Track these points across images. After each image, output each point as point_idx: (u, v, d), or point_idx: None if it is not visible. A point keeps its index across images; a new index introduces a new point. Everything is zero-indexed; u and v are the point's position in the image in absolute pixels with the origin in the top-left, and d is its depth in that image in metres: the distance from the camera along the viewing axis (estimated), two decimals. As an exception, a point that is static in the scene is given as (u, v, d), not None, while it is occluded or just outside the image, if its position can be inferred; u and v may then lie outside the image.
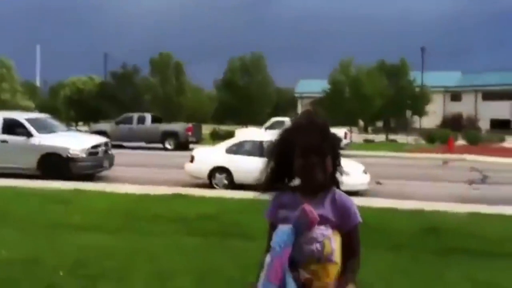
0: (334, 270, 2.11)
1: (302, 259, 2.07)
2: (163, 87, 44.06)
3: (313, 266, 2.08)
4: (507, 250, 6.81)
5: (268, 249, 2.19)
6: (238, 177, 12.88)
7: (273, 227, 2.23)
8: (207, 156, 13.90)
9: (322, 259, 2.08)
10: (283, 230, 2.08)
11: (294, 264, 2.05)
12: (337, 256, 2.11)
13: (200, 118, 46.81)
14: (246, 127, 39.59)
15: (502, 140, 41.49)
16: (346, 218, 2.18)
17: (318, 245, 2.07)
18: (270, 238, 2.22)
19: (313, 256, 2.07)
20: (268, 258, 2.06)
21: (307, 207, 2.06)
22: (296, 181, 2.30)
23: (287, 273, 2.02)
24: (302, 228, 2.06)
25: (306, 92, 68.03)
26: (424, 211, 9.55)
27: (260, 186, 2.34)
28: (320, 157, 2.15)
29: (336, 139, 2.26)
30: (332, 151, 2.20)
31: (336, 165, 2.25)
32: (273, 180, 2.31)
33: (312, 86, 60.69)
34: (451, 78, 72.56)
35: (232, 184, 12.96)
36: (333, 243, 2.10)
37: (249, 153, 13.20)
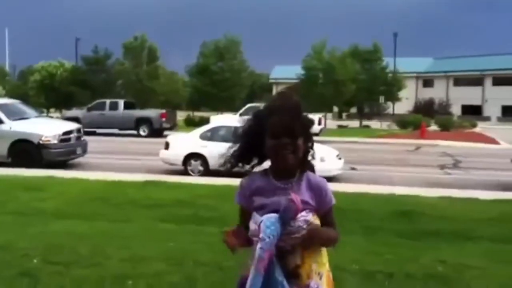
0: (318, 253, 2.16)
1: (288, 247, 2.07)
2: (136, 72, 43.47)
3: (296, 253, 2.09)
4: (478, 233, 6.95)
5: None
6: (213, 163, 12.85)
7: (245, 213, 2.20)
8: (182, 142, 13.84)
9: (308, 245, 2.10)
10: (271, 221, 2.04)
11: (280, 253, 2.05)
12: None
13: (175, 104, 46.43)
14: (222, 113, 39.45)
15: (474, 125, 42.27)
16: (322, 201, 2.19)
17: (304, 232, 2.07)
18: (242, 224, 2.21)
19: (300, 243, 2.08)
20: (258, 251, 2.02)
21: (295, 197, 2.04)
22: (265, 164, 2.27)
23: (274, 262, 2.03)
24: (289, 217, 2.04)
25: (282, 78, 68.07)
26: (396, 196, 9.68)
27: (225, 162, 2.31)
28: (292, 138, 2.11)
29: (308, 121, 2.22)
30: (304, 132, 2.16)
31: (309, 147, 2.22)
32: (240, 158, 2.27)
33: (287, 72, 60.70)
34: (423, 64, 73.35)
35: (207, 171, 12.94)
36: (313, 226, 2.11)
37: (224, 139, 13.14)
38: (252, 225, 2.12)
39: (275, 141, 2.11)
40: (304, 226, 2.07)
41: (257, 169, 2.30)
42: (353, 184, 11.62)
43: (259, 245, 2.01)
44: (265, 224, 2.04)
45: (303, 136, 2.16)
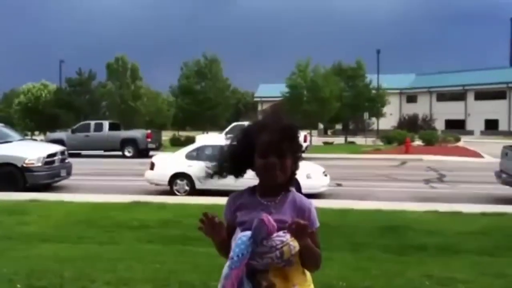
0: (294, 272, 2.09)
1: (260, 267, 2.03)
2: (119, 93, 43.39)
3: (272, 272, 2.05)
4: (464, 246, 6.98)
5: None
6: (199, 183, 12.81)
7: (229, 228, 2.19)
8: (167, 162, 13.78)
9: (281, 264, 2.05)
10: (242, 240, 2.02)
11: (252, 272, 2.02)
12: (296, 258, 2.07)
13: (159, 124, 46.37)
14: (207, 132, 39.43)
15: (458, 139, 42.61)
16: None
17: (277, 253, 2.03)
18: (228, 240, 2.18)
19: (273, 264, 2.04)
20: (226, 269, 2.01)
21: (266, 217, 2.01)
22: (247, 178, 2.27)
23: (245, 282, 2.00)
24: (261, 237, 2.01)
25: (266, 96, 68.37)
26: (382, 211, 9.70)
27: (212, 172, 2.30)
28: (280, 157, 2.10)
29: (298, 140, 2.20)
30: (292, 152, 2.15)
31: (296, 167, 2.20)
32: (226, 171, 2.26)
33: (272, 90, 61.03)
34: (406, 80, 74.26)
35: (194, 190, 12.88)
36: (292, 248, 2.05)
37: (210, 158, 13.09)
38: (233, 242, 2.10)
39: (263, 160, 2.10)
40: (279, 247, 2.02)
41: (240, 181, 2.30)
42: (339, 200, 11.63)
43: (227, 264, 2.01)
44: (236, 244, 2.03)
45: (292, 156, 2.15)
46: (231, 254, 2.01)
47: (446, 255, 6.55)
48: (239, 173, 2.26)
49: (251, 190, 2.23)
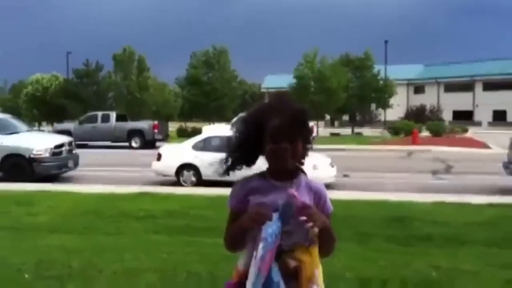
0: (316, 253, 2.08)
1: (286, 248, 2.01)
2: (126, 84, 43.43)
3: (298, 252, 2.03)
4: (471, 237, 6.96)
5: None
6: (206, 173, 12.82)
7: (237, 217, 2.10)
8: (174, 153, 13.81)
9: (306, 244, 2.04)
10: (274, 220, 1.96)
11: (278, 252, 1.98)
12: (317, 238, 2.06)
13: (166, 115, 46.41)
14: (214, 123, 39.44)
15: (465, 130, 42.44)
16: (321, 206, 2.14)
17: (304, 231, 2.00)
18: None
19: (299, 243, 2.02)
20: (260, 251, 1.92)
21: (294, 191, 1.99)
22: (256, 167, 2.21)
23: (272, 263, 1.96)
24: (289, 214, 1.97)
25: (273, 87, 68.26)
26: (389, 202, 9.69)
27: (224, 168, 2.22)
28: (291, 142, 2.06)
29: (308, 125, 2.17)
30: (303, 137, 2.12)
31: (306, 152, 2.17)
32: (238, 162, 2.20)
33: (279, 81, 60.87)
34: (414, 70, 73.86)
35: (200, 181, 12.91)
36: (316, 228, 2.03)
37: (216, 149, 13.16)
38: None
39: (274, 145, 2.06)
40: (305, 225, 1.98)
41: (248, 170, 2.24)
42: (346, 191, 11.62)
43: (261, 245, 1.93)
44: (266, 224, 1.96)
45: (302, 140, 2.12)
46: (264, 235, 1.94)
47: (452, 246, 6.54)
48: (251, 161, 2.19)
49: (260, 175, 2.18)
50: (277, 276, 1.94)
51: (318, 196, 2.15)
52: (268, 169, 2.16)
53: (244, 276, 2.01)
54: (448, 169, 17.24)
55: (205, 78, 45.14)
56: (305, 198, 2.08)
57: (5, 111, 26.77)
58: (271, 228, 1.94)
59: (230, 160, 2.22)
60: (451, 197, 10.43)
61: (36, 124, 46.18)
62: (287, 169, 2.12)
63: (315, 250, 2.08)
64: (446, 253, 6.16)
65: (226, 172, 2.23)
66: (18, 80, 61.43)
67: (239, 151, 2.19)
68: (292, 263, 2.00)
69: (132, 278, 5.11)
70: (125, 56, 44.18)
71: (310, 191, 2.15)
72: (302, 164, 2.20)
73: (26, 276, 5.18)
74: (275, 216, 1.97)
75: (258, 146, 2.13)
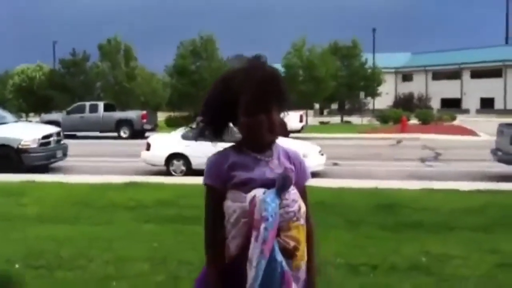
0: (304, 231, 1.99)
1: (282, 224, 1.89)
2: (113, 73, 43.11)
3: (295, 231, 1.94)
4: (459, 223, 7.02)
5: (213, 224, 2.01)
6: (195, 162, 12.79)
7: (217, 195, 1.98)
8: (163, 143, 13.77)
9: (300, 220, 1.96)
10: (271, 198, 1.85)
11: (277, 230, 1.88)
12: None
13: (154, 105, 46.19)
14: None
15: (453, 118, 42.73)
16: (302, 173, 2.09)
17: (296, 206, 1.94)
18: (216, 209, 1.99)
19: (292, 219, 1.93)
20: (263, 232, 1.80)
21: (290, 169, 1.93)
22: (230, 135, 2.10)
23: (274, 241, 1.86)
24: (286, 189, 1.90)
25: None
26: (379, 189, 9.74)
27: (196, 132, 2.10)
28: (268, 114, 1.94)
29: (283, 90, 2.01)
30: (278, 105, 1.99)
31: (283, 117, 2.06)
32: (210, 127, 2.07)
33: (266, 70, 60.66)
34: (402, 59, 74.08)
35: (190, 170, 12.89)
36: (300, 201, 1.99)
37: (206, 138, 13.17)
38: (237, 205, 1.93)
39: (249, 119, 1.95)
40: (297, 199, 1.94)
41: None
42: (335, 179, 11.67)
43: (263, 225, 1.81)
44: (264, 201, 1.84)
45: (278, 110, 1.99)
46: (265, 214, 1.82)
47: (441, 232, 6.60)
48: (218, 130, 2.07)
49: (235, 148, 2.05)
50: (279, 255, 1.85)
51: (297, 164, 2.09)
52: (243, 142, 2.04)
53: (237, 260, 1.92)
54: (436, 157, 17.36)
55: (193, 67, 44.90)
56: (288, 166, 2.02)
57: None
58: (270, 206, 1.84)
59: (201, 125, 2.09)
60: (440, 184, 10.51)
61: (24, 115, 45.78)
62: (264, 143, 2.02)
63: (303, 227, 1.99)
64: (435, 239, 6.22)
65: (199, 135, 2.11)
66: (3, 70, 60.75)
67: (207, 116, 2.07)
68: (292, 243, 1.92)
69: (123, 266, 5.11)
70: (112, 45, 43.80)
71: (289, 158, 2.09)
72: (287, 135, 2.12)
73: (17, 266, 5.16)
74: (271, 192, 1.88)
75: (228, 116, 2.02)
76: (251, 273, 1.82)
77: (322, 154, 13.18)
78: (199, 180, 8.22)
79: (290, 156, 2.09)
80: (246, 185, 1.93)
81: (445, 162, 15.80)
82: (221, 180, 1.98)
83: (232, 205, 1.94)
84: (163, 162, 13.23)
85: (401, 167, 14.78)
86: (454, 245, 5.88)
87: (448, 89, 68.26)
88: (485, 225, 6.90)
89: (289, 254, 1.91)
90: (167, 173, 13.01)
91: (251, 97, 1.93)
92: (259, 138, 1.99)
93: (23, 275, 4.91)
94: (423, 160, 16.39)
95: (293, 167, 2.03)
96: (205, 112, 2.08)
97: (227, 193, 1.97)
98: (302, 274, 2.00)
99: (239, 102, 1.95)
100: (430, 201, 8.59)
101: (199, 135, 2.11)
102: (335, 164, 14.84)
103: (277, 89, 1.98)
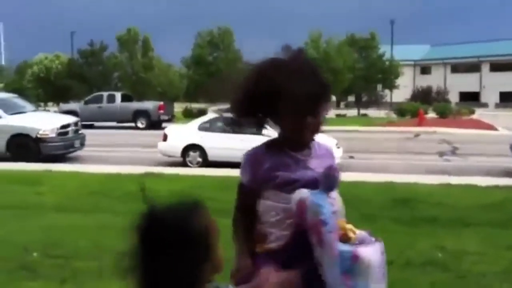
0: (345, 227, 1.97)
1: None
2: (131, 64, 43.37)
3: (349, 226, 1.94)
4: (476, 219, 6.96)
5: (243, 220, 1.96)
6: (211, 154, 12.85)
7: (252, 194, 1.93)
8: (180, 134, 13.81)
9: (343, 217, 1.97)
10: (322, 198, 1.81)
11: None
12: None
13: (171, 96, 46.38)
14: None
15: (472, 112, 42.21)
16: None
17: (339, 204, 1.94)
18: (249, 207, 1.95)
19: (338, 217, 1.91)
20: (328, 236, 1.77)
21: (334, 164, 1.91)
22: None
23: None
24: (331, 190, 1.87)
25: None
26: (395, 183, 9.68)
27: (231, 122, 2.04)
28: (317, 116, 1.92)
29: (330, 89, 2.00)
30: (326, 105, 1.98)
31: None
32: (243, 113, 1.99)
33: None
34: (420, 51, 73.30)
35: (206, 162, 12.93)
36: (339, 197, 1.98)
37: (222, 130, 13.20)
38: (280, 206, 1.88)
39: (297, 119, 1.89)
40: (335, 196, 1.91)
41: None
42: (351, 172, 11.61)
43: (325, 229, 1.76)
44: (317, 204, 1.79)
45: (324, 110, 1.99)
46: (323, 218, 1.77)
47: (458, 228, 6.54)
48: (259, 123, 2.00)
49: (274, 146, 1.98)
50: (342, 246, 1.82)
51: (332, 159, 2.10)
52: (283, 140, 1.98)
53: (278, 254, 1.87)
54: (454, 151, 17.19)
55: (210, 58, 44.98)
56: (331, 164, 1.98)
57: (10, 91, 26.87)
58: (325, 208, 1.79)
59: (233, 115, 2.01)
60: (457, 179, 10.42)
61: (42, 104, 46.22)
62: (306, 143, 2.01)
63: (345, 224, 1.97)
64: (452, 234, 6.17)
65: (234, 124, 2.06)
66: (22, 60, 61.36)
67: (242, 108, 1.98)
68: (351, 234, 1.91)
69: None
70: (130, 36, 44.03)
71: (328, 154, 2.09)
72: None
73: (35, 254, 5.22)
74: (318, 193, 1.83)
75: (264, 108, 1.94)
76: (329, 276, 1.79)
77: (338, 147, 13.12)
78: (215, 172, 8.34)
79: (328, 152, 2.08)
80: (288, 186, 1.89)
81: (462, 157, 15.64)
82: (259, 180, 1.93)
83: (274, 205, 1.89)
84: (179, 153, 13.28)
85: (418, 161, 14.67)
86: (470, 241, 5.83)
87: (467, 82, 67.46)
88: (502, 221, 6.83)
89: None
90: (184, 164, 13.06)
91: (302, 98, 1.85)
92: (303, 139, 1.96)
93: (40, 263, 4.98)
94: (440, 154, 16.25)
95: (335, 165, 1.99)
96: (241, 103, 1.98)
97: (264, 192, 1.92)
98: None
99: (280, 96, 1.86)
100: (447, 196, 8.52)
101: (233, 125, 2.09)
102: (351, 157, 14.77)
103: (327, 90, 1.97)
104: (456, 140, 20.16)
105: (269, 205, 1.91)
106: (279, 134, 1.99)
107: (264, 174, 1.92)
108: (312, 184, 1.88)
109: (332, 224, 1.79)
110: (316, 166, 1.97)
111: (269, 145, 1.99)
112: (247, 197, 1.95)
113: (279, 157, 1.95)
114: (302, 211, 1.81)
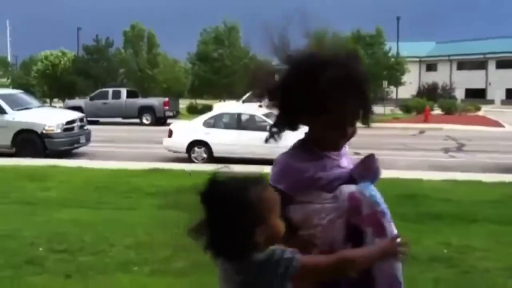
0: None
1: None
2: (136, 60, 43.40)
3: None
4: (482, 215, 6.94)
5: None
6: (217, 150, 12.86)
7: (288, 200, 1.76)
8: (185, 130, 13.82)
9: None
10: (372, 188, 1.80)
11: None
12: None
13: (176, 92, 46.39)
14: (224, 101, 39.37)
15: (478, 109, 42.05)
16: None
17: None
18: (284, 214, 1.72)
19: None
20: (388, 226, 1.76)
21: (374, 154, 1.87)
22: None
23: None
24: (376, 180, 1.86)
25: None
26: (401, 180, 9.66)
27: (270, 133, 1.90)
28: (356, 125, 1.89)
29: None
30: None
31: None
32: (286, 121, 1.89)
33: (289, 58, 60.38)
34: (426, 48, 73.00)
35: (211, 158, 12.94)
36: None
37: (227, 126, 13.22)
38: (329, 206, 1.77)
39: (342, 129, 1.84)
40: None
41: None
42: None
43: (385, 220, 1.74)
44: (371, 194, 1.76)
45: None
46: (381, 208, 1.75)
47: (464, 224, 6.53)
48: (294, 124, 1.90)
49: (306, 148, 1.88)
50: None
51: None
52: (315, 141, 1.88)
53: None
54: (460, 147, 17.14)
55: (215, 54, 44.91)
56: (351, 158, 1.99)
57: (16, 87, 26.94)
58: (380, 199, 1.76)
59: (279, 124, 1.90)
60: (463, 175, 10.39)
61: (48, 100, 46.34)
62: (340, 148, 1.96)
63: None
64: (457, 230, 6.15)
65: (272, 137, 1.91)
66: (28, 56, 61.52)
67: (283, 104, 1.87)
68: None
69: (144, 252, 5.17)
70: (135, 32, 44.07)
71: (346, 150, 2.06)
72: None
73: (40, 249, 5.25)
74: (367, 185, 1.80)
75: (302, 106, 1.81)
76: (391, 267, 1.78)
77: (343, 143, 13.10)
78: (220, 167, 8.17)
79: (346, 149, 2.04)
80: (330, 185, 1.81)
81: (468, 153, 15.60)
82: (300, 188, 1.81)
83: (321, 207, 1.78)
84: (184, 149, 13.29)
85: (424, 157, 14.64)
86: (476, 237, 5.81)
87: (473, 79, 67.13)
88: (508, 217, 6.80)
89: None
90: (189, 160, 13.07)
91: (353, 111, 1.83)
92: (338, 147, 1.91)
93: (46, 258, 5.00)
94: (446, 150, 16.20)
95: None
96: (284, 99, 1.87)
97: (301, 197, 1.81)
98: None
99: (329, 103, 1.76)
100: (452, 192, 8.50)
101: (277, 126, 1.92)
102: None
103: (372, 105, 1.98)
104: (462, 137, 20.11)
105: (316, 208, 1.79)
106: (310, 134, 1.91)
107: (306, 181, 1.81)
108: (349, 182, 1.84)
109: (389, 213, 1.77)
110: (347, 164, 1.95)
111: (301, 148, 1.90)
112: (283, 203, 1.70)
113: (316, 160, 1.85)
114: (357, 205, 1.76)
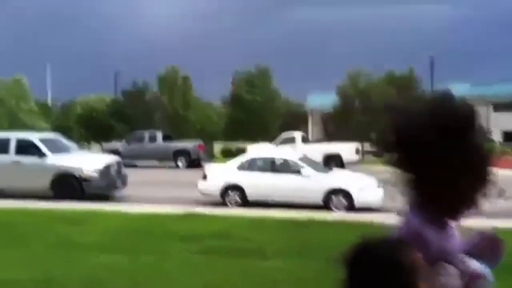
0: None
1: None
2: (171, 103, 44.30)
3: None
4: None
5: None
6: (251, 194, 12.83)
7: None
8: (219, 173, 13.86)
9: None
10: (491, 274, 1.77)
11: None
12: None
13: (210, 134, 46.92)
14: (258, 143, 39.59)
15: (516, 152, 41.07)
16: None
17: None
18: None
19: None
20: None
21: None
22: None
23: None
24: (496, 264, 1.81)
25: (317, 106, 67.88)
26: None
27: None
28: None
29: None
30: None
31: None
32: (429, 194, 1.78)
33: (322, 99, 60.58)
34: (461, 89, 71.92)
35: (245, 202, 12.91)
36: None
37: (261, 170, 13.19)
38: (456, 281, 1.72)
39: (481, 180, 1.79)
40: None
41: None
42: (392, 213, 11.38)
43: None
44: (489, 281, 1.77)
45: None
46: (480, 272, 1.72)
47: (506, 273, 6.28)
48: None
49: (427, 217, 1.79)
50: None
51: None
52: (435, 209, 1.80)
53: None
54: (501, 193, 16.65)
55: (248, 97, 45.49)
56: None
57: (56, 130, 27.64)
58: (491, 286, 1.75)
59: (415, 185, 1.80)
60: (504, 222, 10.07)
61: (86, 143, 47.39)
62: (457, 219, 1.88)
63: None
64: (502, 279, 5.92)
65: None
66: (68, 99, 63.36)
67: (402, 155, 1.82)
68: None
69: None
70: (170, 76, 45.11)
71: None
72: None
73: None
74: (486, 267, 1.79)
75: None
76: None
77: (379, 187, 12.92)
78: (253, 212, 8.25)
79: None
80: (451, 257, 1.77)
81: (509, 200, 15.14)
82: (427, 258, 1.62)
83: (450, 281, 1.72)
84: (218, 193, 13.29)
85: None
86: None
87: (511, 121, 65.94)
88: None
89: None
90: (223, 203, 13.06)
91: (489, 157, 1.83)
92: (457, 218, 1.81)
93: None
94: (485, 196, 15.78)
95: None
96: (405, 148, 1.85)
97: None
98: None
99: (463, 174, 1.73)
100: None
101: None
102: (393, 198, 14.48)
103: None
104: (502, 182, 19.57)
105: (442, 284, 1.73)
106: (425, 201, 1.80)
107: (433, 255, 1.71)
108: (464, 253, 1.80)
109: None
110: (455, 232, 1.89)
111: (423, 217, 1.79)
112: None
113: (439, 231, 1.78)
114: (471, 285, 1.73)
